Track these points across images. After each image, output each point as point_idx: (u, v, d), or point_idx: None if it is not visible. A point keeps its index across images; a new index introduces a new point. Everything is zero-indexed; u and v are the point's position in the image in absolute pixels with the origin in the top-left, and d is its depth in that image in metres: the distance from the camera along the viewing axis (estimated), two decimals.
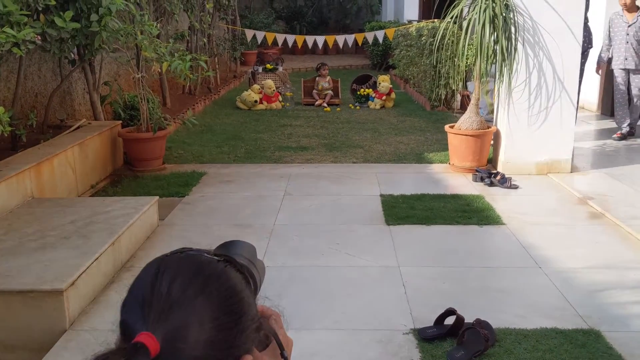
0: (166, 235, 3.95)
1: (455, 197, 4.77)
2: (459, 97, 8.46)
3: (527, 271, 3.41)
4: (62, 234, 3.29)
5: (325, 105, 9.25)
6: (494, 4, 5.19)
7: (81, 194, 4.76)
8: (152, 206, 3.97)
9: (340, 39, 10.96)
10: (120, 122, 5.81)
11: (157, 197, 4.16)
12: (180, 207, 4.54)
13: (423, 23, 9.87)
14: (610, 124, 7.83)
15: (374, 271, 3.43)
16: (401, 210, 4.43)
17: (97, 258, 3.07)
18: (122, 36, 4.85)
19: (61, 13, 4.22)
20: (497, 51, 5.33)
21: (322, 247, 3.77)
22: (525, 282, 3.28)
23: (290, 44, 11.42)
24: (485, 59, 5.30)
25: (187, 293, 0.63)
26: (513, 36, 5.24)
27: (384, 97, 9.21)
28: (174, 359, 0.59)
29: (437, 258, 3.64)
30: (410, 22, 12.64)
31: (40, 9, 4.01)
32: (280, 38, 11.00)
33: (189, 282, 0.64)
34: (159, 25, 5.92)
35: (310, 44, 11.14)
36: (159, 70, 5.33)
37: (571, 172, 5.44)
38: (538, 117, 5.40)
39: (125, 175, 5.39)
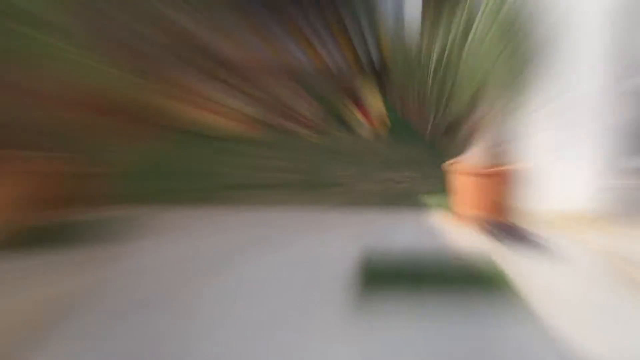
0: None
1: (457, 260, 3.60)
2: (464, 126, 7.36)
3: None
4: None
5: (307, 131, 8.17)
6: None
7: None
8: None
9: None
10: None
11: None
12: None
13: None
14: None
15: None
16: (383, 280, 3.26)
17: None
18: None
19: None
20: (511, 78, 4.24)
21: (251, 357, 2.58)
22: None
23: None
24: (497, 86, 4.20)
25: None
26: (529, 62, 4.14)
27: (375, 123, 8.12)
28: None
29: None
30: None
31: None
32: None
33: None
34: None
35: None
36: None
37: (601, 224, 4.28)
38: (561, 157, 4.26)
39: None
